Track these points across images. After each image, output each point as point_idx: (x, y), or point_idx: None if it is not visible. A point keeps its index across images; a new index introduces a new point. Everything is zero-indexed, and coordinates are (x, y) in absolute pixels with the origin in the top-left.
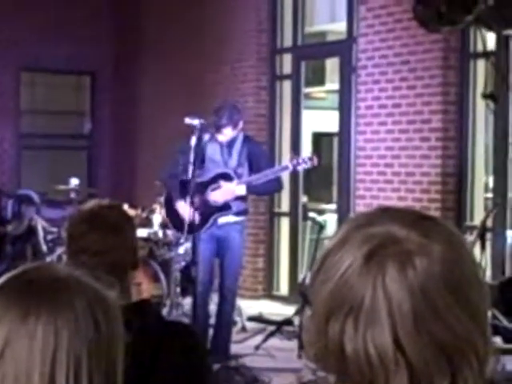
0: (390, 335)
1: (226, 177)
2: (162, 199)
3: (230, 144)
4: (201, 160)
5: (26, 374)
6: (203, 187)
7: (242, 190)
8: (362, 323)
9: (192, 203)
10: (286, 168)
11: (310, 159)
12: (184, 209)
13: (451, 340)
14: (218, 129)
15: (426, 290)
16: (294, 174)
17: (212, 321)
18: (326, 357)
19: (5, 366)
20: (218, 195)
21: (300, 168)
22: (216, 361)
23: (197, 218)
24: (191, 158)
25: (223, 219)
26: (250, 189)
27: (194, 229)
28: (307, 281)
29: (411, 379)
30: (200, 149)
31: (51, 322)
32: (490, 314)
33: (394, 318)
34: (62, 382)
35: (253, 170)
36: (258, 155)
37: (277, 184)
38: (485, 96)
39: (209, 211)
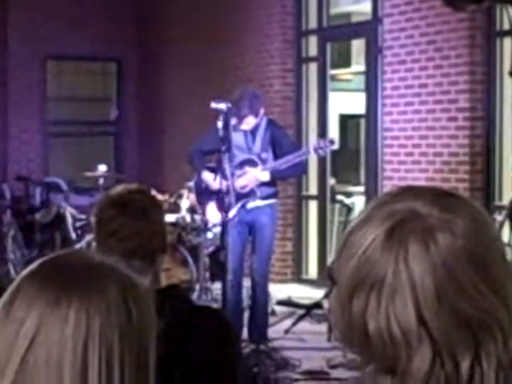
0: (413, 310)
1: (251, 163)
2: (190, 184)
3: (254, 130)
4: (227, 147)
5: (58, 359)
6: (230, 174)
7: (265, 175)
8: (385, 298)
9: (232, 184)
10: (307, 152)
11: (331, 142)
12: (211, 178)
13: (475, 314)
14: (241, 119)
15: (449, 265)
16: (322, 157)
17: (245, 305)
18: (349, 335)
19: (36, 350)
20: (244, 181)
21: (321, 152)
22: (252, 344)
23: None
24: (219, 141)
25: (252, 203)
26: (274, 174)
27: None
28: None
29: (434, 354)
30: (227, 133)
31: (83, 308)
32: None
33: (417, 293)
34: (94, 368)
35: (276, 153)
36: (281, 139)
37: (301, 168)
38: (511, 74)
39: (235, 197)
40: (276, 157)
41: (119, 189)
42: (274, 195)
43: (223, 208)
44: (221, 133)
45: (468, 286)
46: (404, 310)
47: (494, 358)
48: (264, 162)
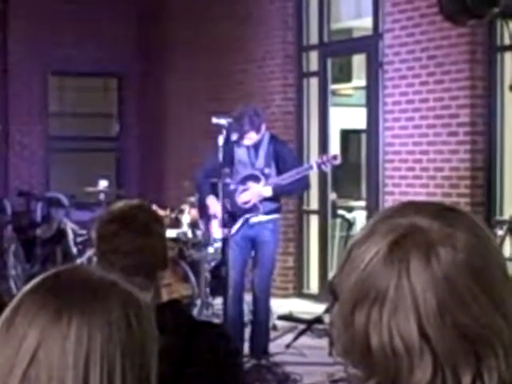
0: (416, 324)
1: (254, 178)
2: (191, 199)
3: (257, 145)
4: (230, 162)
5: (60, 375)
6: (233, 189)
7: (268, 191)
8: (387, 312)
9: (222, 204)
10: (310, 168)
11: (334, 158)
12: (214, 205)
13: (476, 329)
14: (242, 136)
15: (450, 279)
16: (323, 172)
17: (246, 320)
18: (351, 349)
19: (38, 366)
20: (247, 197)
21: (324, 167)
22: (254, 358)
23: (226, 217)
24: (220, 157)
25: (255, 219)
26: (277, 190)
27: (225, 226)
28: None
29: (435, 368)
30: (228, 148)
31: (84, 324)
32: None
33: (419, 307)
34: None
35: (279, 169)
36: (284, 154)
37: (303, 183)
38: None
39: (238, 213)
40: (279, 172)
41: (120, 204)
42: (276, 210)
43: (224, 225)
44: (222, 148)
45: (470, 301)
46: (406, 324)
47: (496, 374)
48: (267, 177)
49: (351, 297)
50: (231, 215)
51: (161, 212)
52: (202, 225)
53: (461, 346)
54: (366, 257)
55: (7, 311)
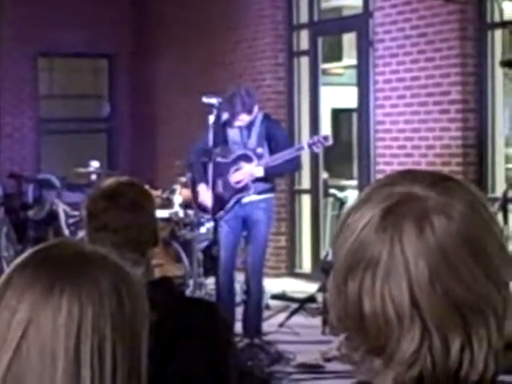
0: (407, 291)
1: (246, 158)
2: (183, 179)
3: (250, 125)
4: (223, 141)
5: (51, 348)
6: (225, 169)
7: (259, 171)
8: (380, 279)
9: (213, 185)
10: (301, 148)
11: (325, 138)
12: (204, 193)
13: (468, 298)
14: (234, 116)
15: (443, 248)
16: (314, 152)
17: (239, 300)
18: (345, 316)
19: (29, 339)
20: (239, 176)
21: (315, 148)
22: (247, 338)
23: (218, 199)
24: (210, 137)
25: (246, 198)
26: (268, 170)
27: (215, 210)
28: (329, 257)
29: (423, 335)
30: (219, 128)
31: (75, 297)
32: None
33: (411, 274)
34: (87, 357)
35: (272, 148)
36: (276, 134)
37: (295, 164)
38: (503, 63)
39: (230, 192)
40: (271, 152)
41: (110, 181)
42: (269, 190)
43: (214, 212)
44: (212, 128)
45: (462, 270)
46: (398, 291)
47: (486, 343)
48: (259, 157)
49: (345, 263)
50: (219, 202)
51: (153, 192)
52: (194, 204)
53: (451, 314)
54: (359, 224)
55: None
